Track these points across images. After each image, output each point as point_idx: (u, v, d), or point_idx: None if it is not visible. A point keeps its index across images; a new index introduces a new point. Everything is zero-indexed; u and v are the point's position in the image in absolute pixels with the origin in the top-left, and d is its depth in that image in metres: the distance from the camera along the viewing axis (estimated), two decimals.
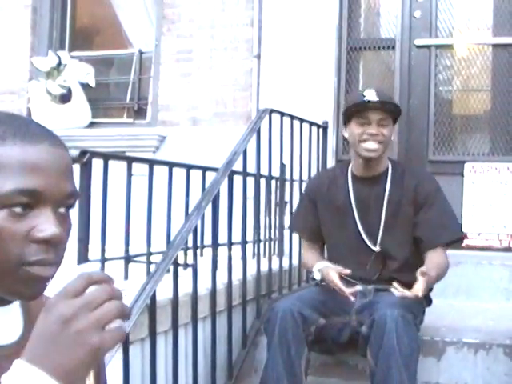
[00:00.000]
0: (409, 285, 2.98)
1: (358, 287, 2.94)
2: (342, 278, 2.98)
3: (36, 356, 0.81)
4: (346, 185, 3.19)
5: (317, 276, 3.09)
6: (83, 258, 2.73)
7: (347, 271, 2.99)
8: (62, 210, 0.95)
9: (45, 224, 0.91)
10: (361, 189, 3.16)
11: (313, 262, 3.18)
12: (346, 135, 3.14)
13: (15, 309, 1.01)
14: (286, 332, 2.84)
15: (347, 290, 2.90)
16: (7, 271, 0.91)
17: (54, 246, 0.93)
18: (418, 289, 2.74)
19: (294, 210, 3.63)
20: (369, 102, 2.99)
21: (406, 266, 3.07)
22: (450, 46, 4.90)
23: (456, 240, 3.16)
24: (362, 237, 3.14)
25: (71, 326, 0.81)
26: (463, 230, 4.46)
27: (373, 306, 2.92)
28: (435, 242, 3.04)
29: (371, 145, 3.01)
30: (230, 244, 3.25)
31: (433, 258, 2.99)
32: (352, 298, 2.90)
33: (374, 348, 2.75)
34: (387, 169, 3.16)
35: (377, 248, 3.12)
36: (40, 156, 0.92)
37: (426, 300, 3.19)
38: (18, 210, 0.90)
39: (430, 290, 3.23)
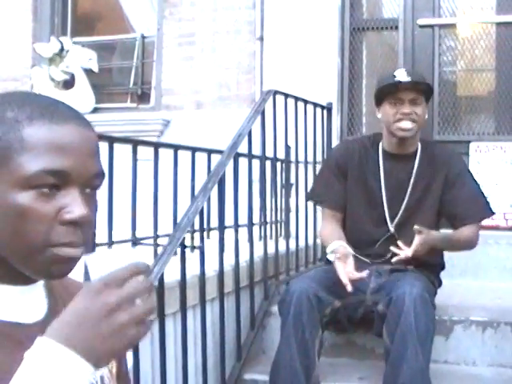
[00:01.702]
0: (425, 264, 3.00)
1: (364, 273, 2.84)
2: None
3: (69, 337, 0.81)
4: (377, 161, 3.16)
5: (330, 257, 2.96)
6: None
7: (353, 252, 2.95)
8: (88, 190, 0.94)
9: (72, 205, 0.91)
10: (392, 166, 3.14)
11: (330, 239, 3.04)
12: (380, 116, 3.11)
13: (39, 288, 1.00)
14: (301, 314, 2.82)
15: (356, 275, 2.81)
16: (34, 251, 0.91)
17: (82, 226, 0.92)
18: (410, 249, 2.83)
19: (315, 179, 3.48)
20: (400, 82, 2.98)
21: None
22: (453, 26, 4.88)
23: (487, 217, 3.18)
24: (384, 215, 3.12)
25: (116, 317, 0.82)
26: None
27: (389, 286, 2.90)
28: (469, 219, 3.07)
29: (406, 124, 2.99)
30: (237, 226, 3.25)
31: (463, 230, 3.05)
32: (364, 275, 2.82)
33: (390, 326, 2.74)
34: (417, 149, 3.15)
35: (391, 229, 3.12)
36: (67, 136, 0.92)
37: (437, 281, 3.19)
38: (45, 190, 0.90)
39: (442, 268, 3.24)
